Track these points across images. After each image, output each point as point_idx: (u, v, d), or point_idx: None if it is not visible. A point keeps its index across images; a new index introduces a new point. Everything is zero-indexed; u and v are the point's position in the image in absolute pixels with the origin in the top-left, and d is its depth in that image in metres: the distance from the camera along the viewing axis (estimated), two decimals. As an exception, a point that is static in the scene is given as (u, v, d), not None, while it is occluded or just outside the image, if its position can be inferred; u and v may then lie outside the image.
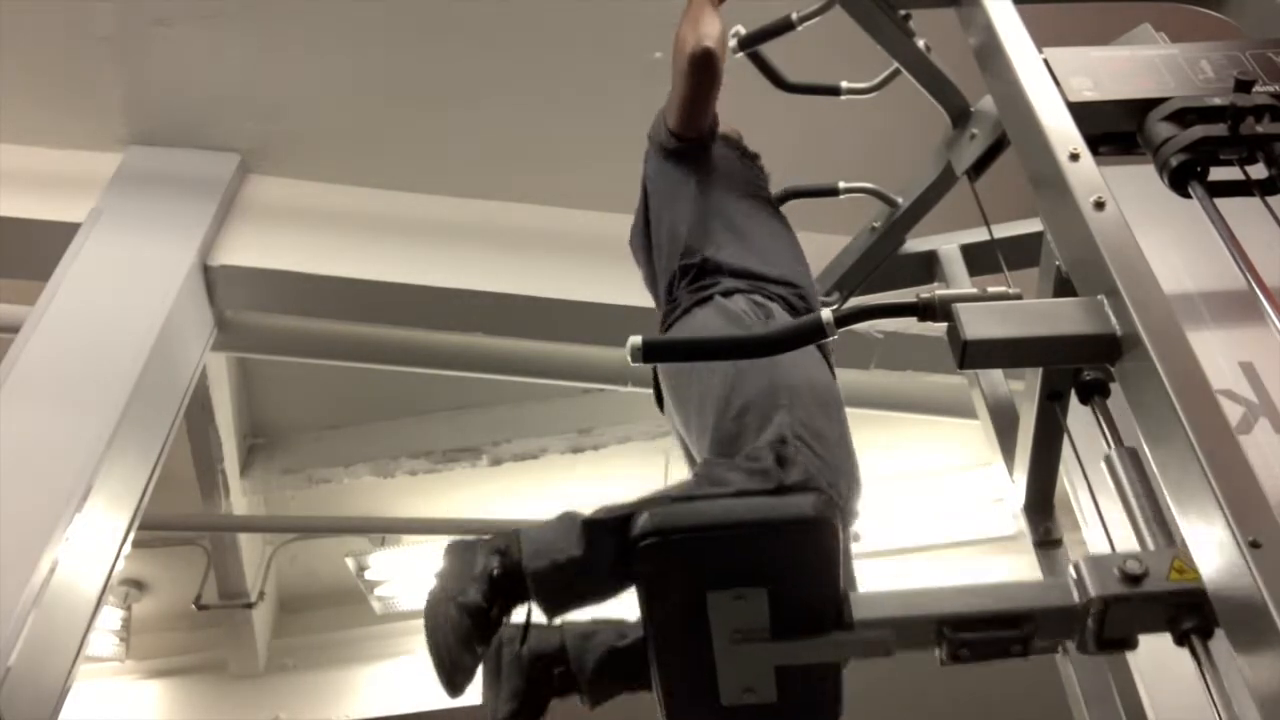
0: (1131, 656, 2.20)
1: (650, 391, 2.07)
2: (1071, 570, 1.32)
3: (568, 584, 1.51)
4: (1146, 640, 1.42)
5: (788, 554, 1.41)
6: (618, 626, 1.64)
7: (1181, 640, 1.26)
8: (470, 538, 1.60)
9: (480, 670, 1.53)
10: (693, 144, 2.08)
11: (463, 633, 1.48)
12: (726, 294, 1.88)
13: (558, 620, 1.60)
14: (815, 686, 1.48)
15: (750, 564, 1.40)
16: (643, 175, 2.20)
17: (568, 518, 1.56)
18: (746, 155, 2.25)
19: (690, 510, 1.46)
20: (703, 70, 1.96)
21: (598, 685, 1.62)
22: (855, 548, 1.70)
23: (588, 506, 1.56)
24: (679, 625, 1.42)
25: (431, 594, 1.55)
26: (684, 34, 2.00)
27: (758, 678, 1.43)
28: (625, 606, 1.54)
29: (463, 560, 1.55)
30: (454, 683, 1.50)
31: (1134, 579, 1.27)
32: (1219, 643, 1.20)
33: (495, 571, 1.51)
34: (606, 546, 1.47)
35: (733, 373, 1.72)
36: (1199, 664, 1.24)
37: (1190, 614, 1.24)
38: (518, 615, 1.56)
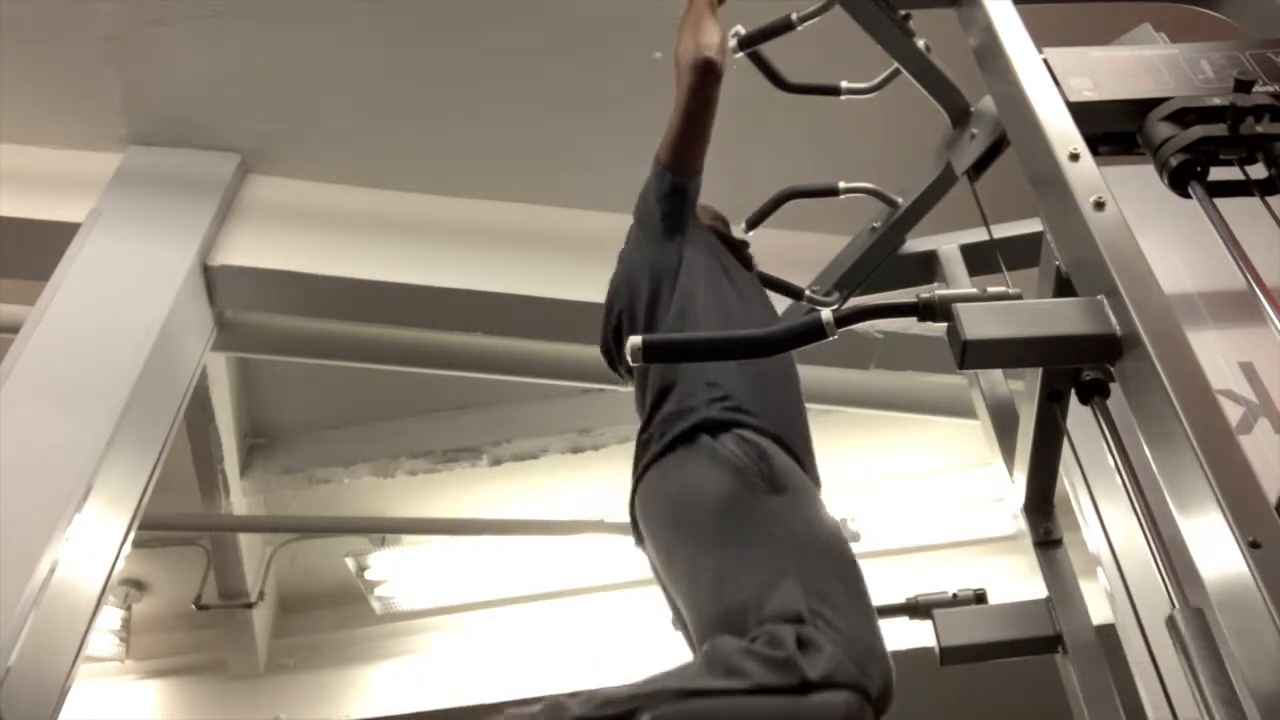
0: (1131, 657, 2.20)
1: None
2: None
3: None
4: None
5: None
6: None
7: None
8: None
9: None
10: (686, 185, 1.98)
11: None
12: (712, 433, 1.68)
13: None
14: None
15: None
16: (621, 265, 2.11)
17: (555, 711, 1.34)
18: (732, 244, 2.19)
19: (700, 711, 1.29)
20: (705, 82, 1.92)
21: None
22: (855, 548, 1.65)
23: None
24: None
25: None
26: (684, 46, 1.97)
27: None
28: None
29: None
30: None
31: None
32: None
33: None
34: None
35: (727, 527, 1.55)
36: None
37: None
38: None
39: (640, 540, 1.80)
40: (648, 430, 1.79)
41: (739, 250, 2.21)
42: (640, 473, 1.77)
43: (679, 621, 1.76)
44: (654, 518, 1.71)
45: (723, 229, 2.23)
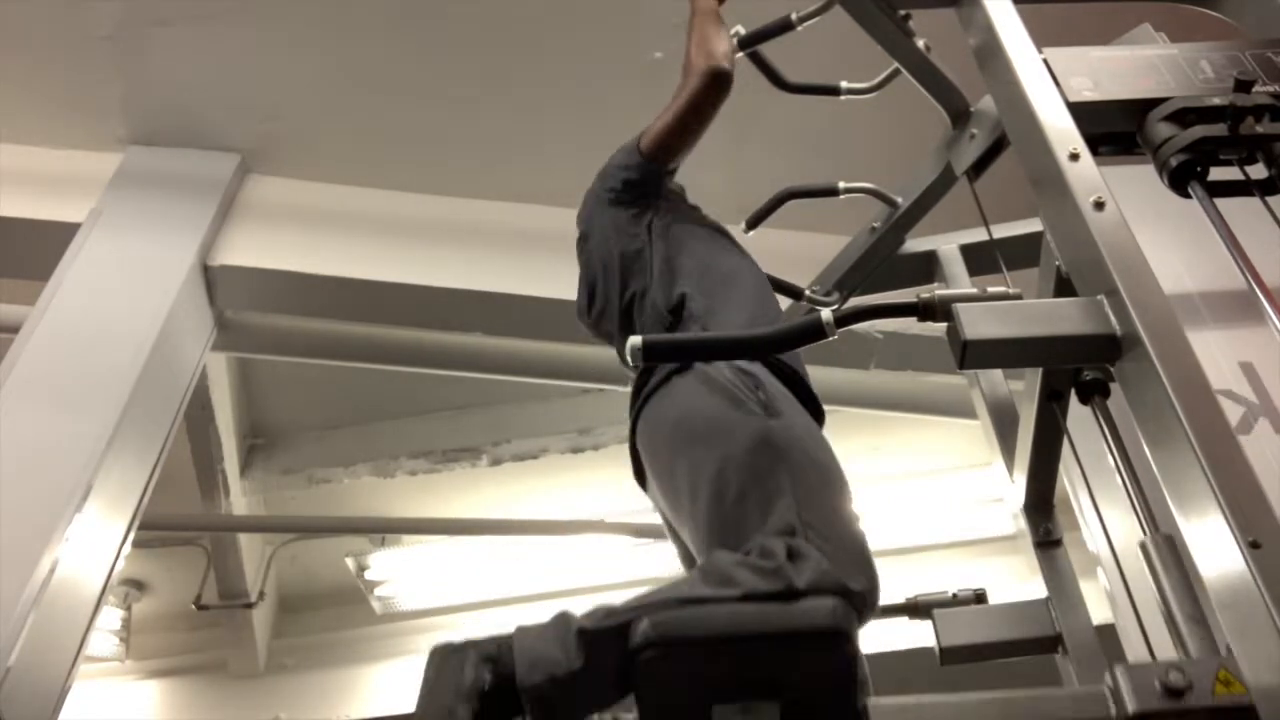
0: (1131, 656, 2.19)
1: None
2: (1108, 679, 1.23)
3: (565, 698, 1.40)
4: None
5: (801, 666, 1.33)
6: None
7: None
8: (457, 640, 1.46)
9: None
10: (659, 176, 2.03)
11: None
12: (707, 361, 1.74)
13: None
14: None
15: (760, 676, 1.31)
16: (583, 232, 2.13)
17: (562, 622, 1.43)
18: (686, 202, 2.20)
19: (695, 617, 1.36)
20: (716, 90, 1.95)
21: None
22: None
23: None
24: None
25: (418, 710, 1.42)
26: (695, 53, 1.98)
27: (767, 794, 1.32)
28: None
29: (450, 670, 1.42)
30: None
31: (1176, 692, 1.16)
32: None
33: (487, 686, 1.39)
34: (606, 656, 1.37)
35: (725, 450, 1.61)
36: None
37: (1237, 728, 1.12)
38: None
39: (641, 477, 1.85)
40: (647, 371, 1.83)
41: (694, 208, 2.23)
42: (639, 406, 1.81)
43: (686, 559, 1.84)
44: (656, 441, 1.76)
45: (680, 191, 2.23)
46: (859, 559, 1.50)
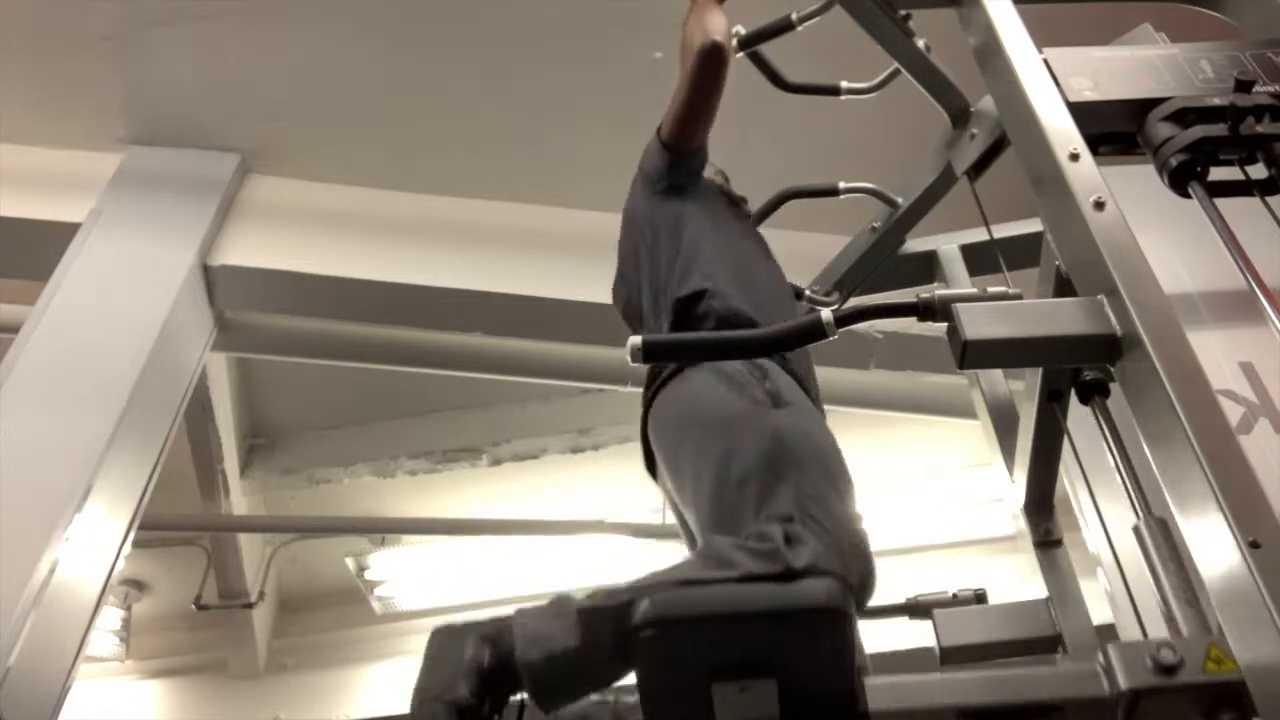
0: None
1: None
2: (1100, 657, 1.24)
3: (563, 676, 1.42)
4: (1146, 640, 1.40)
5: (798, 644, 1.35)
6: (614, 708, 1.56)
7: None
8: (457, 622, 1.48)
9: None
10: (685, 161, 2.04)
11: None
12: None
13: None
14: None
15: (758, 654, 1.33)
16: (625, 217, 2.16)
17: (562, 603, 1.46)
18: (733, 199, 2.23)
19: (693, 597, 1.38)
20: (712, 64, 1.94)
21: None
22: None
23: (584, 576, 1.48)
24: (681, 718, 1.35)
25: (418, 687, 1.42)
26: (690, 33, 1.99)
27: (766, 771, 1.35)
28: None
29: (450, 649, 1.43)
30: None
31: (1168, 669, 1.18)
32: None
33: (486, 664, 1.41)
34: (604, 635, 1.39)
35: (731, 437, 1.65)
36: None
37: (1227, 706, 1.17)
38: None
39: (652, 466, 1.88)
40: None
41: (737, 205, 2.25)
42: (652, 394, 1.85)
43: (691, 545, 1.86)
44: (665, 427, 1.80)
45: (723, 186, 2.26)
46: (856, 548, 1.55)
